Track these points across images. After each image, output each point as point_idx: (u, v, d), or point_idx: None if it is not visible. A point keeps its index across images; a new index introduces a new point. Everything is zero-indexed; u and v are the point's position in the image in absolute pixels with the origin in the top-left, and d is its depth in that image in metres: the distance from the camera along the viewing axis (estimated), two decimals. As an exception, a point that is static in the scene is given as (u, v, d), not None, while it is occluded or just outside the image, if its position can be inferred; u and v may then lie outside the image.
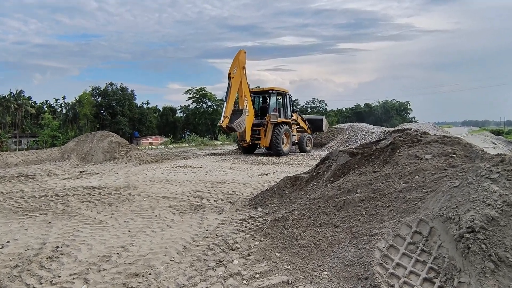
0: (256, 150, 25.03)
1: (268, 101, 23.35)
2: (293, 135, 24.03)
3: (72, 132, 63.97)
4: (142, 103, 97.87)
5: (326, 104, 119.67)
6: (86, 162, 17.73)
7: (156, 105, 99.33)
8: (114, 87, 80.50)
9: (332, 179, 7.62)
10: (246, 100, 21.26)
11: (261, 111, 23.15)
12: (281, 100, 23.86)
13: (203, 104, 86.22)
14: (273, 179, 12.28)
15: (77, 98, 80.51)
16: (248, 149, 23.73)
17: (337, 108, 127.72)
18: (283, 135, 22.57)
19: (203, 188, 10.78)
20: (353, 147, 10.41)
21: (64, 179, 12.71)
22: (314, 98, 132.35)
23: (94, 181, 12.09)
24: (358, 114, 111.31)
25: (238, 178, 12.79)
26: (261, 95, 24.09)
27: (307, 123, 26.61)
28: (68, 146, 19.56)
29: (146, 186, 11.18)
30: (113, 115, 77.16)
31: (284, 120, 23.32)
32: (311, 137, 26.09)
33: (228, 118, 19.43)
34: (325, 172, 8.14)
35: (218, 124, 19.62)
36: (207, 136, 61.71)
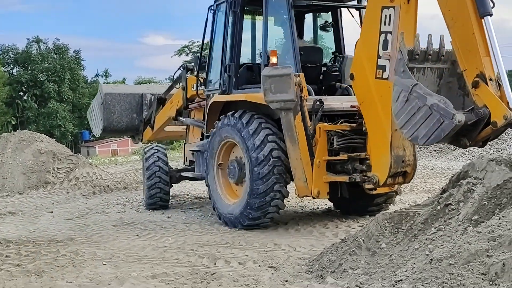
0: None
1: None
2: None
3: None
4: (96, 75, 69.81)
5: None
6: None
7: (124, 79, 70.54)
8: (44, 46, 55.85)
9: (476, 217, 5.83)
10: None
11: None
12: None
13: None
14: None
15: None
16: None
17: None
18: None
19: (219, 238, 8.41)
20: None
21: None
22: None
23: (9, 229, 9.73)
24: None
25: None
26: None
27: None
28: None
29: (107, 236, 8.81)
30: (43, 101, 53.66)
31: None
32: None
33: None
34: (460, 204, 6.22)
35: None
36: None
